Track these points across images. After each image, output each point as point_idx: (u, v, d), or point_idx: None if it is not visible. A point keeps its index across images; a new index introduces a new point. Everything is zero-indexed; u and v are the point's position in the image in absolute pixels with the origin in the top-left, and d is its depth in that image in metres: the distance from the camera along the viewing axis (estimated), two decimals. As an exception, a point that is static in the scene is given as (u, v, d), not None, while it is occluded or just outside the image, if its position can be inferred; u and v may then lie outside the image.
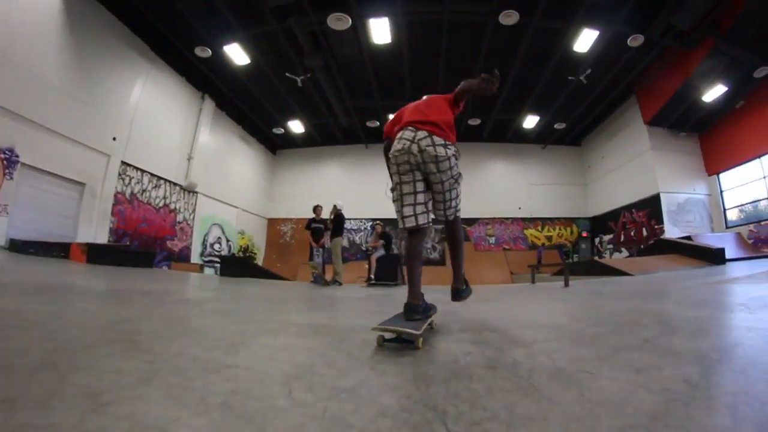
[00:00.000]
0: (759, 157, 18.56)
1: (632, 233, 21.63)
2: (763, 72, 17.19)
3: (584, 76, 18.02)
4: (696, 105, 19.24)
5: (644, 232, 20.74)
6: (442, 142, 2.76)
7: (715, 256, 12.74)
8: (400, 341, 2.28)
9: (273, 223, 25.64)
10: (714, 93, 18.22)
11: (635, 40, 15.91)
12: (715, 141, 21.11)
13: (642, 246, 20.16)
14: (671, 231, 19.30)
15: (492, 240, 24.08)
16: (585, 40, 15.74)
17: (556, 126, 23.27)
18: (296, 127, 22.78)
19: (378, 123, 21.70)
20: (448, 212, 2.97)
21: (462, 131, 23.02)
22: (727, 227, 19.91)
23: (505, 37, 15.53)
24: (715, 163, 21.09)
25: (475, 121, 22.07)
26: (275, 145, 25.50)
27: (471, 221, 23.95)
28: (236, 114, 21.49)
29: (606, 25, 15.00)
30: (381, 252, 11.95)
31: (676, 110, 19.52)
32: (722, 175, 20.83)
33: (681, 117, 20.15)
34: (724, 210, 20.51)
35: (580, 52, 16.32)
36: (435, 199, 2.95)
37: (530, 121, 22.40)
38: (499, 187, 25.11)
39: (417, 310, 2.59)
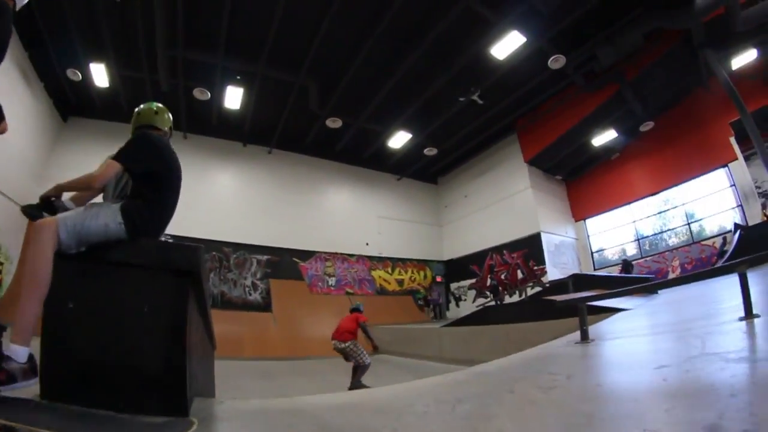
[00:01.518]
0: (628, 203, 22.54)
1: (503, 276, 21.87)
2: (647, 126, 20.88)
3: (478, 95, 17.73)
4: (580, 150, 21.74)
5: (519, 274, 21.11)
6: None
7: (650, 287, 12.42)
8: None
9: (34, 217, 18.67)
10: (604, 138, 20.77)
11: (556, 62, 16.43)
12: (583, 189, 24.54)
13: (517, 289, 21.01)
14: (552, 272, 20.26)
15: (332, 281, 21.21)
16: (507, 45, 15.31)
17: (426, 151, 22.42)
18: (99, 74, 15.86)
19: (209, 97, 17.21)
20: None
21: (312, 138, 20.93)
22: (594, 269, 22.79)
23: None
24: (581, 210, 24.52)
25: (335, 123, 19.53)
26: (67, 106, 17.71)
27: (306, 254, 20.82)
28: (28, 30, 13.93)
29: (534, 36, 15.03)
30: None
31: (558, 153, 21.47)
32: (588, 221, 24.32)
33: (560, 162, 22.39)
34: (592, 253, 23.78)
35: (496, 58, 15.82)
36: None
37: (399, 139, 20.95)
38: (344, 216, 22.75)
39: None
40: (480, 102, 18.08)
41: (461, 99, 17.81)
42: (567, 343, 5.49)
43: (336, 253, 21.84)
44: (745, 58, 17.04)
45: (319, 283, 20.83)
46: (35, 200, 2.74)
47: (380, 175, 24.44)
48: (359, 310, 11.90)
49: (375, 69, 16.24)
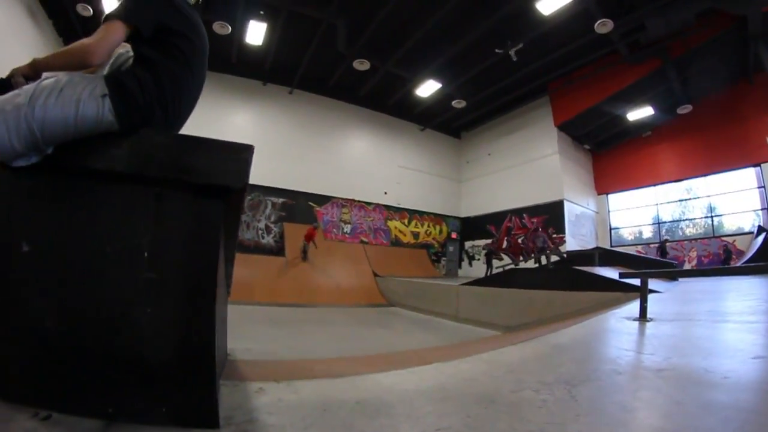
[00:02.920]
0: (653, 185, 21.62)
1: (520, 240, 21.08)
2: (685, 110, 19.73)
3: (515, 51, 16.36)
4: (613, 122, 20.68)
5: (537, 241, 19.96)
6: None
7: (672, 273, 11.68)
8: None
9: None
10: (639, 114, 19.69)
11: (603, 26, 14.99)
12: (609, 162, 23.46)
13: (533, 255, 19.78)
14: (570, 242, 19.49)
15: (347, 228, 20.36)
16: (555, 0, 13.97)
17: (454, 103, 20.99)
18: (111, 7, 13.91)
19: (230, 31, 15.44)
20: None
21: (336, 80, 19.49)
22: (611, 245, 21.87)
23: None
24: (605, 184, 23.54)
25: (362, 65, 18.01)
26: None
27: (322, 199, 19.87)
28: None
29: None
30: None
31: (590, 122, 20.57)
32: (610, 196, 23.39)
33: (590, 131, 21.61)
34: (611, 229, 22.93)
35: (542, 14, 14.50)
36: None
37: (428, 88, 19.55)
38: (363, 162, 21.63)
39: None
40: (514, 59, 16.67)
41: (498, 51, 16.41)
42: (624, 319, 5.01)
43: (353, 200, 20.92)
44: None
45: (334, 230, 20.02)
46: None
47: (403, 124, 23.13)
48: None
49: (410, 10, 14.85)
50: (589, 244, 19.88)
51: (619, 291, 8.17)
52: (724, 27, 15.13)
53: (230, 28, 15.32)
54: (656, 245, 19.62)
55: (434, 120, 23.12)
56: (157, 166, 1.52)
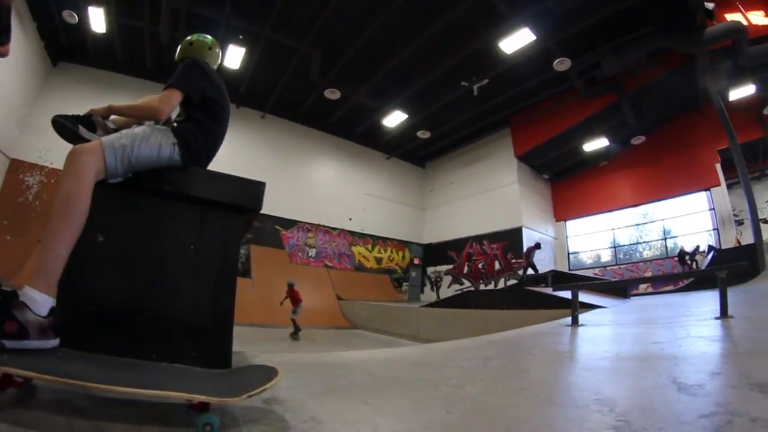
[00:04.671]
0: (609, 211, 23.35)
1: (480, 265, 21.80)
2: (639, 140, 21.58)
3: (478, 86, 17.49)
4: (570, 153, 22.07)
5: (497, 265, 21.13)
6: None
7: (623, 291, 13.36)
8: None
9: (16, 168, 15.32)
10: (595, 145, 21.15)
11: (561, 64, 16.40)
12: (567, 191, 25.05)
13: (493, 279, 21.31)
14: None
15: (312, 252, 20.80)
16: (517, 40, 15.16)
17: (419, 133, 22.08)
18: (97, 19, 14.51)
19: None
20: None
21: (307, 108, 20.21)
22: (569, 269, 23.16)
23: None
24: (563, 211, 25.06)
25: (333, 94, 18.83)
26: (59, 49, 16.25)
27: (289, 223, 20.32)
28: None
29: (544, 36, 14.90)
30: None
31: (549, 152, 21.72)
32: (568, 222, 24.99)
33: (549, 161, 22.84)
34: (569, 253, 24.44)
35: (503, 52, 15.67)
36: None
37: (395, 119, 20.41)
38: (330, 188, 22.26)
39: None
40: (476, 93, 17.79)
41: (464, 84, 17.44)
42: (558, 326, 5.91)
43: (319, 225, 21.43)
44: (743, 92, 17.38)
45: (299, 254, 20.42)
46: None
47: (370, 152, 23.97)
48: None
49: (381, 45, 15.76)
50: (548, 268, 20.80)
51: (567, 308, 8.87)
52: (674, 64, 16.63)
53: (210, 51, 15.82)
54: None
55: (400, 149, 24.00)
56: (203, 191, 2.30)
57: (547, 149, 21.26)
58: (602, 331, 5.46)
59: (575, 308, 6.10)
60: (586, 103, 18.55)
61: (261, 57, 16.47)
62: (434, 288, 22.94)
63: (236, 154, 18.51)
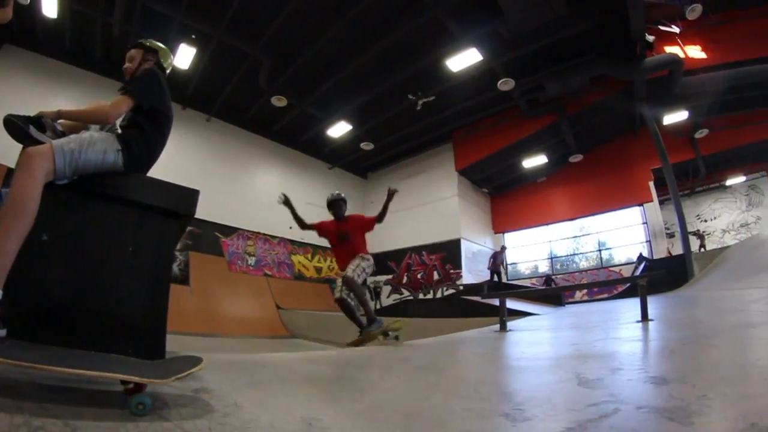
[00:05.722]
0: (546, 224, 25.27)
1: (419, 275, 22.24)
2: (576, 158, 23.32)
3: (423, 102, 18.14)
4: (510, 168, 23.51)
5: (435, 275, 21.62)
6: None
7: (559, 299, 14.26)
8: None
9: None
10: (534, 161, 22.74)
11: (505, 84, 17.29)
12: (506, 204, 26.68)
13: (431, 289, 22.17)
14: (467, 277, 21.54)
15: (252, 261, 20.58)
16: (464, 59, 15.85)
17: (362, 145, 22.42)
18: (50, 1, 13.54)
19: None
20: None
21: (253, 113, 20.23)
22: (507, 280, 23.97)
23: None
24: (502, 224, 26.73)
25: (279, 101, 18.83)
26: (5, 31, 14.27)
27: (229, 230, 20.03)
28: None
29: (491, 56, 15.65)
30: None
31: (489, 168, 22.71)
32: (507, 234, 26.74)
33: (489, 176, 23.89)
34: (507, 265, 25.05)
35: (450, 70, 16.33)
36: None
37: (339, 129, 20.79)
38: (271, 196, 20.77)
39: None
40: (419, 108, 18.44)
41: (411, 97, 17.98)
42: (488, 332, 6.52)
43: (259, 233, 21.25)
44: (676, 117, 19.18)
45: (239, 261, 20.13)
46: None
47: (313, 162, 24.05)
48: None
49: (332, 56, 16.08)
50: (486, 278, 21.20)
51: (495, 316, 9.34)
52: (614, 89, 17.88)
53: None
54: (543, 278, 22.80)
55: (343, 159, 24.25)
56: (142, 196, 2.50)
57: (487, 164, 22.14)
58: (527, 335, 5.85)
59: (503, 314, 6.56)
60: (527, 122, 19.56)
61: (211, 59, 16.33)
62: (374, 297, 23.24)
63: (180, 157, 17.92)
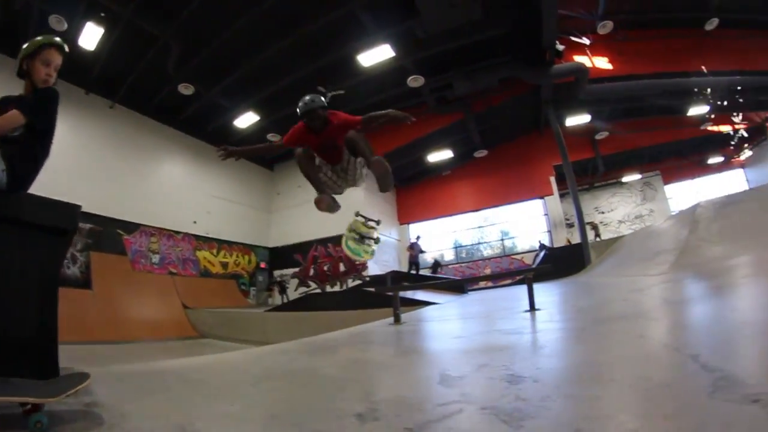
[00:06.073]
0: (451, 215, 26.87)
1: (326, 268, 22.34)
2: (481, 154, 24.98)
3: (332, 95, 17.80)
4: (416, 161, 24.43)
5: (341, 267, 21.79)
6: None
7: (461, 288, 15.02)
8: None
9: None
10: (440, 156, 24.10)
11: (415, 81, 18.02)
12: (411, 196, 28.00)
13: (339, 280, 21.96)
14: (373, 268, 21.91)
15: (156, 259, 19.58)
16: (376, 55, 16.27)
17: (269, 136, 21.76)
18: None
19: (65, 28, 13.77)
20: None
21: (159, 101, 19.20)
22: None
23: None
24: (407, 215, 28.17)
25: (187, 89, 18.02)
26: None
27: (132, 227, 18.83)
28: None
29: (403, 53, 16.17)
30: None
31: (396, 161, 22.21)
32: (412, 225, 28.02)
33: (395, 168, 22.80)
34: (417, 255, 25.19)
35: (361, 65, 16.76)
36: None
37: (247, 119, 20.50)
38: (175, 189, 21.17)
39: None
40: (327, 101, 18.02)
41: (321, 89, 17.81)
42: (382, 325, 6.64)
43: (162, 229, 20.25)
44: (579, 120, 21.18)
45: (143, 260, 19.09)
46: None
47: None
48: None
49: (243, 44, 15.78)
50: (392, 269, 22.30)
51: (404, 306, 9.42)
52: (522, 91, 19.02)
53: (66, 25, 14.08)
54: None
55: (252, 148, 23.53)
56: (25, 214, 2.45)
57: (394, 157, 22.09)
58: (418, 327, 6.09)
59: (396, 308, 6.74)
60: (434, 119, 20.28)
61: (119, 40, 15.27)
62: (281, 292, 23.12)
63: (79, 149, 17.02)
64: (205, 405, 2.48)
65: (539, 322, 4.78)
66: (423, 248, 22.09)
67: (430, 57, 16.60)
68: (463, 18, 14.81)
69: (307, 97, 4.86)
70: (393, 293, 7.08)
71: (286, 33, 15.07)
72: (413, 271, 20.00)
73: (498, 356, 3.06)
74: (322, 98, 4.93)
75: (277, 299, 22.54)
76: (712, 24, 19.14)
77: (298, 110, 4.85)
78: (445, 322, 6.58)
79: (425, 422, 1.78)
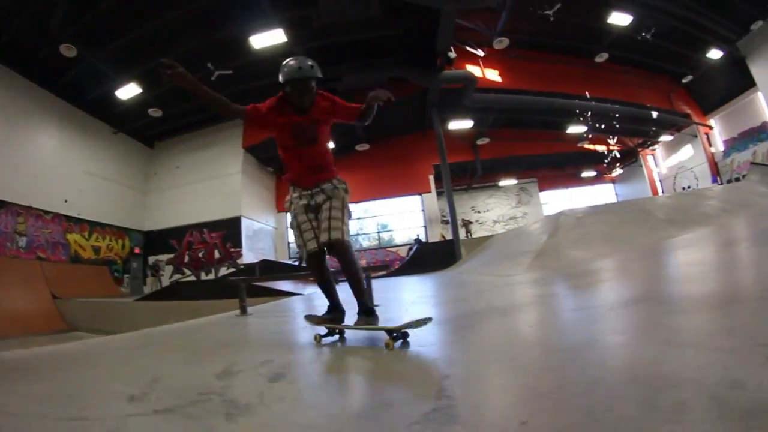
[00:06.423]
0: None
1: (201, 254, 21.80)
2: (363, 147, 25.55)
3: (219, 74, 17.87)
4: None
5: (216, 254, 21.92)
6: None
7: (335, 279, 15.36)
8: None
9: None
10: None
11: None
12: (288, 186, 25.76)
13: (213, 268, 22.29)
14: (247, 256, 21.84)
15: (23, 242, 16.77)
16: (268, 39, 16.31)
17: (151, 111, 20.48)
18: None
19: None
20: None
21: (37, 60, 16.43)
22: (290, 257, 25.82)
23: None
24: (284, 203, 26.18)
25: (69, 51, 15.69)
26: None
27: None
28: None
29: (295, 41, 16.33)
30: None
31: (276, 147, 22.51)
32: (289, 214, 24.88)
33: (275, 155, 23.47)
34: (289, 243, 27.26)
35: (252, 46, 16.50)
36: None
37: (129, 90, 18.64)
38: (47, 163, 18.28)
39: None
40: (213, 79, 17.80)
41: (210, 66, 17.55)
42: (229, 317, 6.59)
43: (30, 208, 17.38)
44: (462, 124, 22.99)
45: (8, 243, 16.30)
46: None
47: (97, 125, 20.76)
48: None
49: (134, 8, 14.60)
50: (268, 257, 22.65)
51: (266, 296, 10.58)
52: (410, 91, 19.57)
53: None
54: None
55: (130, 125, 21.74)
56: None
57: (274, 144, 21.91)
58: (262, 320, 6.02)
59: (242, 299, 6.76)
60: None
61: None
62: (155, 278, 21.57)
63: None
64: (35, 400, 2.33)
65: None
66: None
67: (323, 47, 16.78)
68: (361, 13, 15.42)
69: (302, 60, 3.36)
70: (239, 286, 7.07)
71: (179, 3, 14.42)
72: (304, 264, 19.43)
73: (266, 353, 3.21)
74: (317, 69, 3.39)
75: (153, 288, 20.86)
76: (602, 57, 22.80)
77: (283, 76, 3.38)
78: (286, 317, 6.45)
79: (175, 406, 1.94)
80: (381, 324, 3.33)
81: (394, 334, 2.86)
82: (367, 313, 3.43)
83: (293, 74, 3.32)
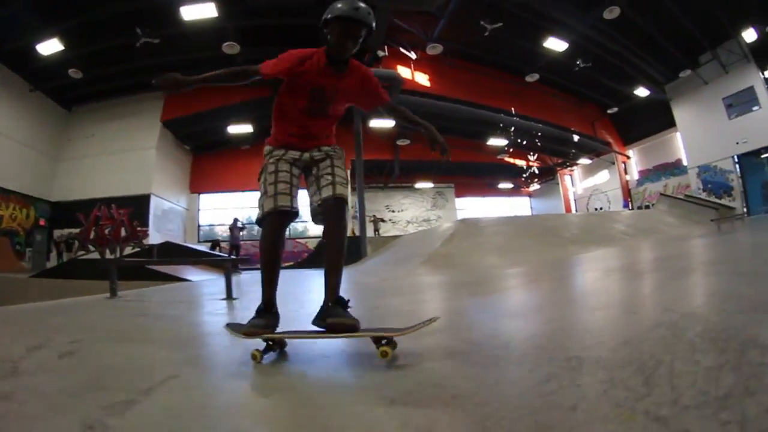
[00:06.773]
0: (244, 191, 26.18)
1: (107, 231, 20.31)
2: None
3: (145, 41, 17.32)
4: (216, 130, 24.57)
5: (123, 232, 20.04)
6: None
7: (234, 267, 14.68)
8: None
9: None
10: (240, 129, 24.15)
11: (230, 48, 18.69)
12: (207, 165, 27.49)
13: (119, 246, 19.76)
14: (155, 236, 20.65)
15: None
16: (199, 11, 16.37)
17: (71, 71, 19.13)
18: None
19: None
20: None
21: None
22: (199, 241, 26.08)
23: None
24: (200, 184, 27.60)
25: None
26: None
27: None
28: None
29: (226, 16, 16.36)
30: None
31: (196, 124, 23.66)
32: (203, 195, 27.97)
33: (193, 133, 25.00)
34: (199, 225, 27.63)
35: (181, 17, 16.29)
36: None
37: (51, 46, 17.21)
38: None
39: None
40: (138, 45, 17.44)
41: (138, 31, 16.94)
42: (100, 299, 6.54)
43: None
44: (383, 123, 22.96)
45: None
46: None
47: (12, 79, 18.82)
48: None
49: None
50: (176, 239, 22.16)
51: (161, 280, 10.88)
52: None
53: None
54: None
55: (48, 83, 20.16)
56: None
57: (194, 121, 22.81)
58: (129, 305, 5.86)
59: (113, 281, 6.76)
60: (241, 90, 19.90)
61: None
62: (60, 255, 20.01)
63: None
64: None
65: (227, 311, 4.96)
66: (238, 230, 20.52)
67: (253, 27, 16.97)
68: (297, -2, 15.21)
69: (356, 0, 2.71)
70: (110, 269, 7.03)
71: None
72: (233, 255, 18.44)
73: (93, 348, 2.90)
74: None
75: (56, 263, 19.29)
76: (533, 77, 24.33)
77: (332, 12, 2.79)
78: (161, 305, 6.14)
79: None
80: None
81: (384, 341, 2.17)
82: (343, 305, 2.47)
83: (347, 11, 2.70)
